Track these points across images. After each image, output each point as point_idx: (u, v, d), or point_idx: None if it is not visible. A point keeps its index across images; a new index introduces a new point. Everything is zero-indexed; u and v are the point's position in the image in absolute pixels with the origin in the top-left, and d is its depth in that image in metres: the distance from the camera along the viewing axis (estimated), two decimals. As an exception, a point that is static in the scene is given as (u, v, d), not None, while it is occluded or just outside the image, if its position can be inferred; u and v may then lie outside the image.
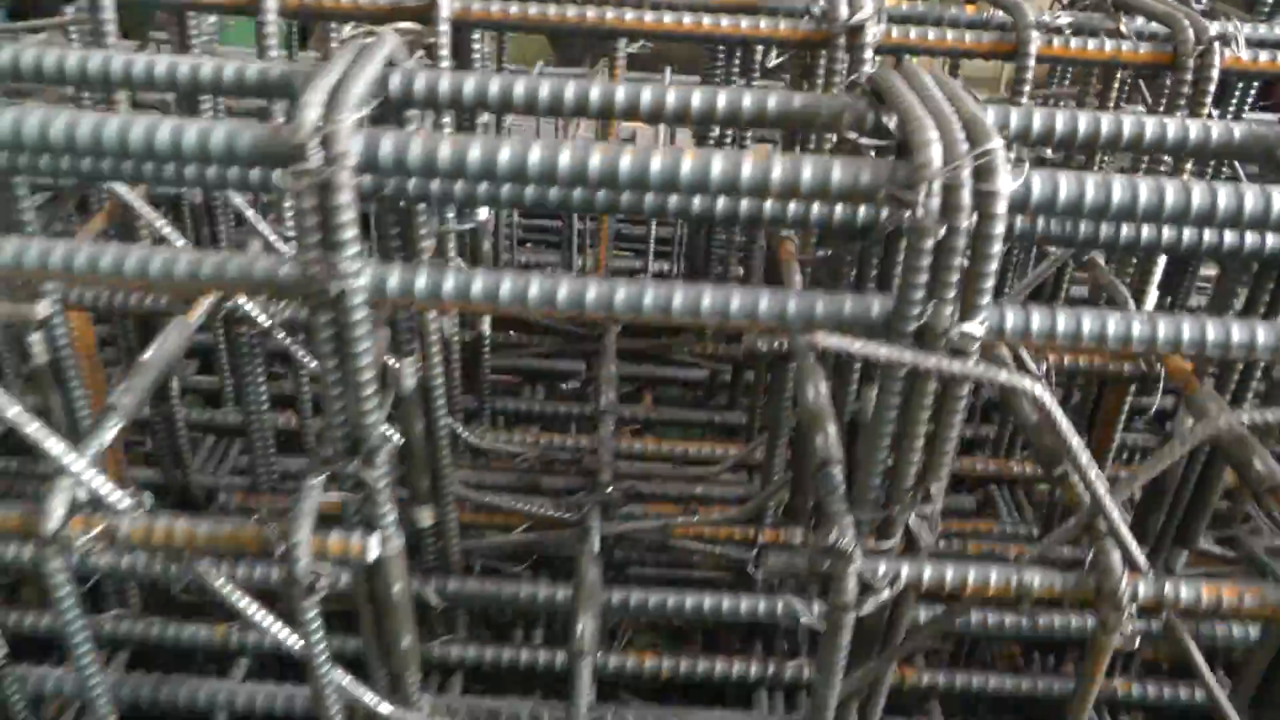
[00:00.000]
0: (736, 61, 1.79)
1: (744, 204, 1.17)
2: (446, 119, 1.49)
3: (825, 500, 1.14)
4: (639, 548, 1.79)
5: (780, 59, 1.75)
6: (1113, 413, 1.61)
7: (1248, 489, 1.23)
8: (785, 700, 1.67)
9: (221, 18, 1.76)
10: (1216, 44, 1.40)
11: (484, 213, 1.77)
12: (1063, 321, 1.03)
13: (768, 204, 1.17)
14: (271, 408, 1.81)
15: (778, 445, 1.62)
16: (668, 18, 1.52)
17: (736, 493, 1.82)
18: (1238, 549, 1.56)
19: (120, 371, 1.82)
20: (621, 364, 2.15)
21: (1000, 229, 0.94)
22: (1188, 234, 1.19)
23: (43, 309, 1.11)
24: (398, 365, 1.37)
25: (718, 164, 0.97)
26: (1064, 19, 1.49)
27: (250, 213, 1.59)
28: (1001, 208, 0.93)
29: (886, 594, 1.09)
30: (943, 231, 0.94)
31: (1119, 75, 1.71)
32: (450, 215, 1.48)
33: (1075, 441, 1.06)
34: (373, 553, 1.12)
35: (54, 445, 1.12)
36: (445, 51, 1.50)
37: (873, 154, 1.09)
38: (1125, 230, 1.19)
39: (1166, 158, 1.59)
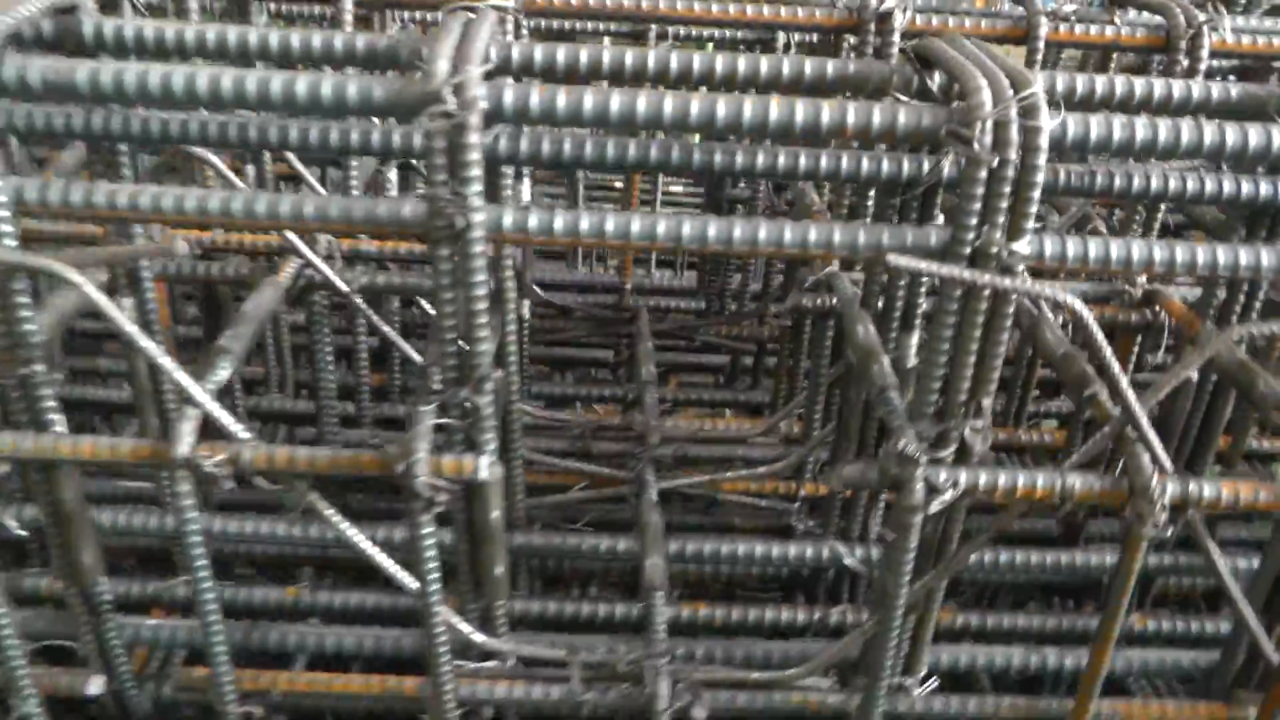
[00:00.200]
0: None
1: (803, 160, 1.36)
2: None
3: (888, 418, 1.31)
4: (683, 510, 1.94)
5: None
6: (1121, 363, 1.80)
7: (1254, 408, 1.42)
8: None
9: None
10: (1205, 27, 1.62)
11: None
12: (1093, 248, 1.22)
13: (823, 160, 1.36)
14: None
15: (817, 400, 1.80)
16: (704, 5, 1.71)
17: (770, 456, 1.99)
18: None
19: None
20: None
21: (1043, 160, 1.13)
22: (1191, 183, 1.39)
23: (181, 247, 1.26)
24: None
25: (801, 111, 1.16)
26: (1069, 7, 1.71)
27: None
28: (1044, 141, 1.12)
29: (950, 495, 1.26)
30: (995, 163, 1.13)
31: (1114, 60, 1.93)
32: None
33: (1107, 351, 1.24)
34: (483, 471, 1.27)
35: (183, 378, 1.27)
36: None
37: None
38: (1137, 181, 1.39)
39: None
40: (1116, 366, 1.25)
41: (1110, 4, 1.77)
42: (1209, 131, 1.18)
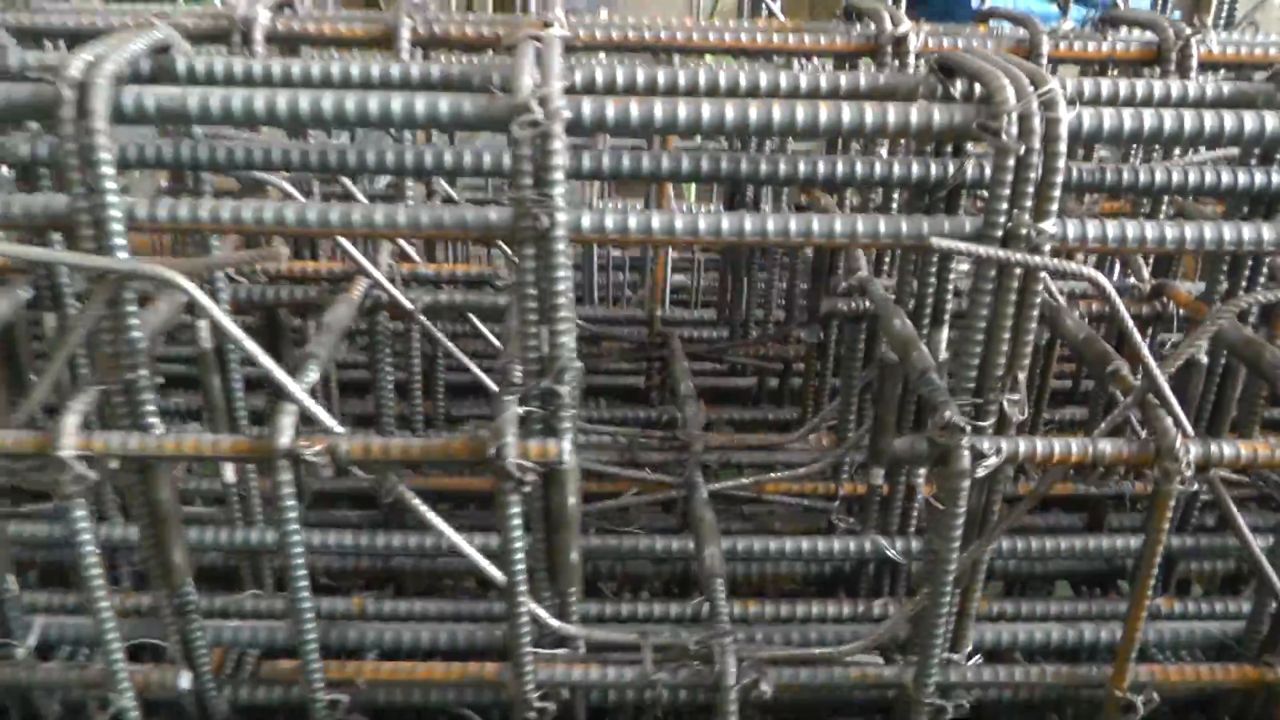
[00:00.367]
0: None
1: (840, 167, 1.53)
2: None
3: (931, 396, 1.47)
4: (725, 517, 2.08)
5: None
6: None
7: (1263, 378, 1.59)
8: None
9: None
10: (1193, 39, 1.83)
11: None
12: (1111, 229, 1.40)
13: (858, 166, 1.54)
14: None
15: (851, 401, 1.96)
16: (733, 35, 1.90)
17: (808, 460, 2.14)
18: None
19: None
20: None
21: (1064, 148, 1.31)
22: (1193, 176, 1.57)
23: (284, 252, 1.41)
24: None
25: (848, 113, 1.33)
26: (1066, 25, 1.92)
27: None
28: (1064, 131, 1.30)
29: (994, 460, 1.41)
30: (1021, 151, 1.30)
31: (1111, 73, 2.13)
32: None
33: (1129, 323, 1.41)
34: (565, 455, 1.42)
35: (282, 376, 1.41)
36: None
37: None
38: (1143, 176, 1.57)
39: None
40: (1136, 334, 1.41)
41: (1102, 23, 1.98)
42: (1209, 120, 1.36)
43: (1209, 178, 1.54)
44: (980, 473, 1.41)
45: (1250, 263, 1.71)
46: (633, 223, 1.37)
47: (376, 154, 1.52)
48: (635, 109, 1.32)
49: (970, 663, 1.68)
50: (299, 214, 1.37)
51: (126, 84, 1.33)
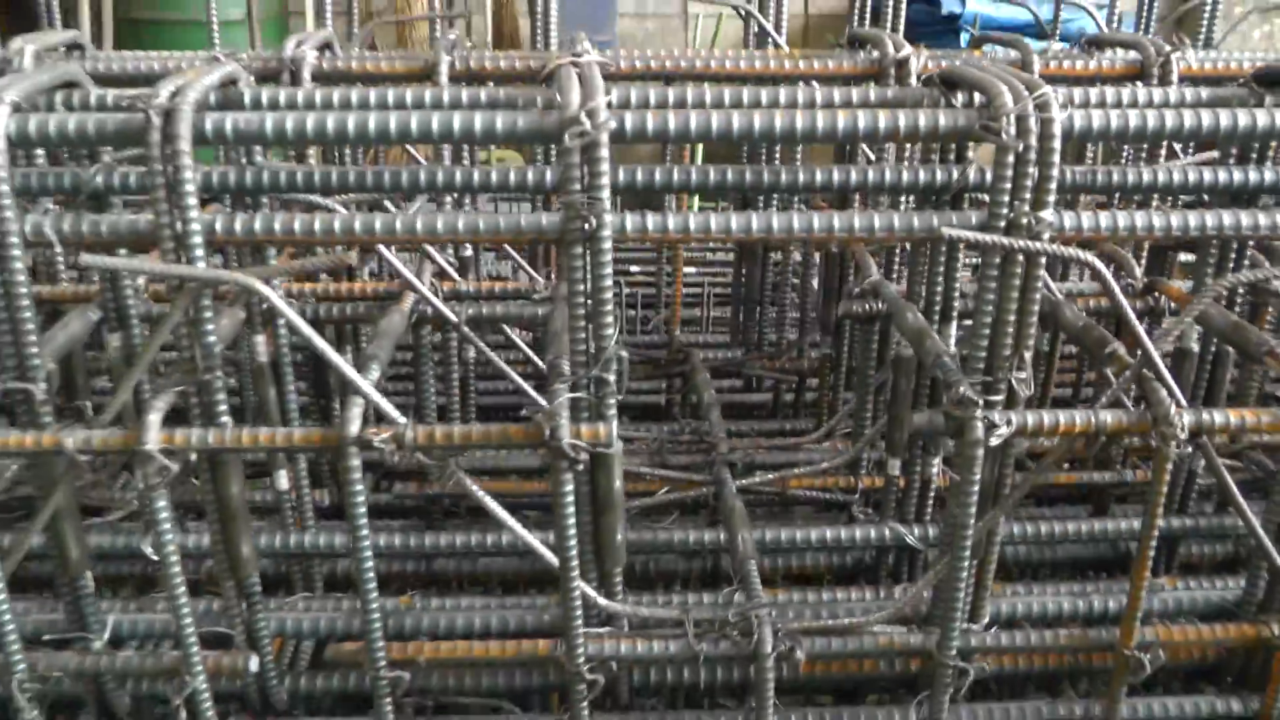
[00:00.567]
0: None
1: (852, 175, 1.72)
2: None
3: (946, 376, 1.64)
4: (750, 518, 2.24)
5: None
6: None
7: (1250, 359, 1.77)
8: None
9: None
10: (1173, 55, 2.03)
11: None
12: (1104, 220, 1.59)
13: (869, 173, 1.73)
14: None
15: (867, 398, 2.13)
16: (747, 63, 2.10)
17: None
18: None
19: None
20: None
21: (1058, 144, 1.49)
22: (1177, 175, 1.75)
23: (353, 257, 1.58)
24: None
25: (863, 119, 1.52)
26: (1055, 46, 2.12)
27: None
28: (1058, 129, 1.49)
29: (1005, 430, 1.58)
30: (1020, 148, 1.49)
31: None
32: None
33: (1123, 303, 1.59)
34: (614, 437, 1.58)
35: (351, 372, 1.58)
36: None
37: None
38: (1130, 177, 1.76)
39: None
40: (1130, 313, 1.59)
41: (1088, 44, 2.19)
42: (1189, 118, 1.55)
43: (1192, 176, 1.74)
44: (993, 442, 1.58)
45: (1234, 257, 1.90)
46: (672, 224, 1.55)
47: (409, 174, 1.67)
48: (673, 120, 1.51)
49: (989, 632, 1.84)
50: (365, 225, 1.54)
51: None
